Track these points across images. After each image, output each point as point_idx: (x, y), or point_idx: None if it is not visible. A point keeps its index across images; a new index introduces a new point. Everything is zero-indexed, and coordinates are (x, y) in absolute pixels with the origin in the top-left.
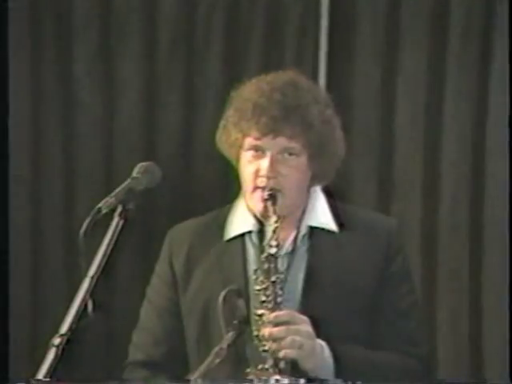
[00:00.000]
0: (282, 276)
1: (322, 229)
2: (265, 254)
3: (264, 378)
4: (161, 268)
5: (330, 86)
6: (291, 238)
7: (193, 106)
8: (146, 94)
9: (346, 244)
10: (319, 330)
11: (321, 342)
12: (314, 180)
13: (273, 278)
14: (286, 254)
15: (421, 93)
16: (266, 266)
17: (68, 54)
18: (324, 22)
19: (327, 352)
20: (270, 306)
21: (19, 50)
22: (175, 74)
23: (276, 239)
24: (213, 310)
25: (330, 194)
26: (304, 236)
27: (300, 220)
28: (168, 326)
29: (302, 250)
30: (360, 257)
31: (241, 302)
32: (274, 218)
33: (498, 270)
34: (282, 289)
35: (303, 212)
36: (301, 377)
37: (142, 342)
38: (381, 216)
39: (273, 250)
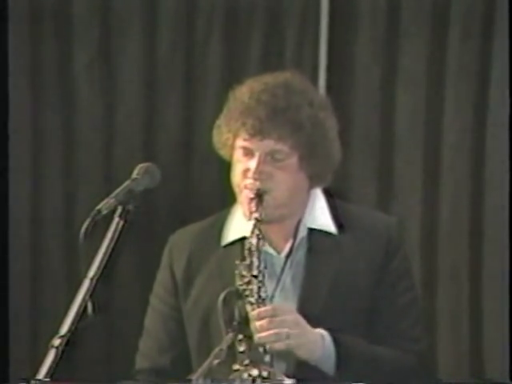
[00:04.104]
0: (265, 271)
1: (321, 231)
2: (246, 248)
3: (251, 372)
4: (162, 275)
5: (329, 85)
6: (290, 240)
7: (193, 107)
8: (146, 94)
9: (345, 245)
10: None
11: (321, 331)
12: (311, 182)
13: (255, 272)
14: (284, 256)
15: (421, 93)
16: (248, 260)
17: (68, 54)
18: (324, 22)
19: (328, 340)
20: (253, 300)
21: (19, 50)
22: (175, 75)
23: (257, 234)
24: (213, 315)
25: (329, 194)
26: (303, 238)
27: (299, 222)
28: (172, 332)
29: (301, 253)
30: (359, 257)
31: (240, 304)
32: (256, 214)
33: (498, 269)
34: (264, 284)
35: (303, 213)
36: (301, 366)
37: (147, 349)
38: (381, 215)
39: (253, 244)
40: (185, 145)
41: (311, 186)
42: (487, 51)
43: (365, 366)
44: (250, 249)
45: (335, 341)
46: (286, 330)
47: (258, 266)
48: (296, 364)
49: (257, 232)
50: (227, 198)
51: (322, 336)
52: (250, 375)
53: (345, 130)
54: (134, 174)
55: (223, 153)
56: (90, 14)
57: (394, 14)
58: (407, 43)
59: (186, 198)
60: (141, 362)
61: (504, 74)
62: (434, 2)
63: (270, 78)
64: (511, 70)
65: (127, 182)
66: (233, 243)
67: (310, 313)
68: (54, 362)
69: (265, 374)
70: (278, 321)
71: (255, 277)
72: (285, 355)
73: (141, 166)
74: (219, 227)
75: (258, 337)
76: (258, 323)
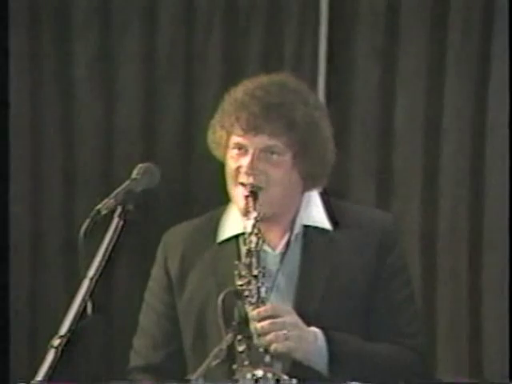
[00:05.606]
0: (264, 270)
1: (316, 227)
2: (246, 248)
3: (251, 372)
4: (156, 272)
5: (329, 85)
6: (285, 237)
7: (192, 108)
8: (146, 95)
9: (340, 242)
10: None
11: (314, 330)
12: (306, 183)
13: (255, 272)
14: (279, 253)
15: (420, 92)
16: (247, 260)
17: (68, 54)
18: (324, 22)
19: (321, 339)
20: (253, 300)
21: (19, 50)
22: (175, 75)
23: (256, 234)
24: (208, 312)
25: (324, 192)
26: (298, 235)
27: (294, 219)
28: (166, 330)
29: (296, 249)
30: (354, 254)
31: (239, 304)
32: (254, 214)
33: (497, 269)
34: (263, 283)
35: (297, 211)
36: (295, 366)
37: (141, 347)
38: (376, 211)
39: (253, 244)
40: (184, 145)
41: (305, 188)
42: (487, 51)
43: (359, 364)
44: (249, 249)
45: (328, 339)
46: (284, 331)
47: (258, 266)
48: (291, 364)
49: (256, 231)
50: (226, 198)
51: (315, 335)
52: (253, 375)
53: (345, 129)
54: (134, 174)
55: (217, 153)
56: (90, 13)
57: (394, 14)
58: (407, 43)
59: (186, 198)
60: (135, 360)
61: (504, 73)
62: (434, 1)
63: (265, 78)
64: (511, 69)
65: (127, 182)
66: (228, 240)
67: (306, 310)
68: (53, 362)
69: (269, 375)
70: (279, 323)
71: (255, 277)
72: (282, 356)
73: (140, 166)
74: (214, 224)
75: (258, 339)
76: (258, 324)
